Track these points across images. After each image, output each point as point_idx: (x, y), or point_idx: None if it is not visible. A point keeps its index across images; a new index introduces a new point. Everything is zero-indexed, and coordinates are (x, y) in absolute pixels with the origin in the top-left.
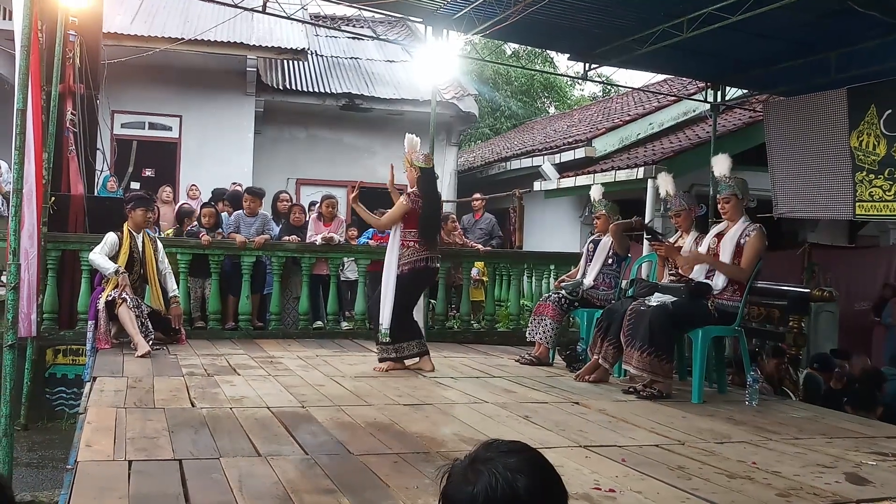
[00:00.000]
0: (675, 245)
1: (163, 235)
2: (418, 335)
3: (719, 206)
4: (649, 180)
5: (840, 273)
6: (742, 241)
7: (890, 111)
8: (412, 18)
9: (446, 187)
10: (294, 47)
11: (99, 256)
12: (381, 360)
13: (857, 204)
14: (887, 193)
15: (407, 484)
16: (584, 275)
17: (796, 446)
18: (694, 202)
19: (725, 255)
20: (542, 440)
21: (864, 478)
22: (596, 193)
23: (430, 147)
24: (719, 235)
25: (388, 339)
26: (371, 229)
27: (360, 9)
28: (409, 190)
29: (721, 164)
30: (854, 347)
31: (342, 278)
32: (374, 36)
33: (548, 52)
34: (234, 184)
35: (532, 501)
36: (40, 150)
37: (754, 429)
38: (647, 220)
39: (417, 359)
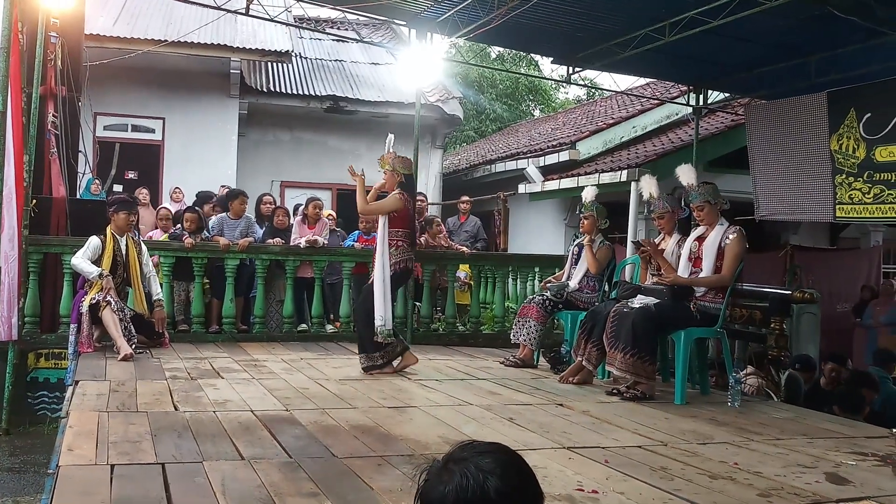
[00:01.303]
0: (658, 248)
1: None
2: (396, 332)
3: (694, 213)
4: (633, 183)
5: (822, 275)
6: (723, 244)
7: (869, 115)
8: (396, 21)
9: (431, 190)
10: (278, 49)
11: (82, 261)
12: (367, 370)
13: (837, 206)
14: (866, 196)
15: (391, 486)
16: (569, 277)
17: (777, 447)
18: (677, 204)
19: (708, 260)
20: (525, 442)
21: (844, 477)
22: (589, 194)
23: (414, 150)
24: (700, 239)
25: (391, 338)
26: (356, 232)
27: (344, 11)
28: (397, 190)
29: (687, 175)
30: (835, 349)
31: (328, 281)
32: (359, 38)
33: (532, 55)
34: (222, 187)
35: (502, 503)
36: (20, 153)
37: (736, 430)
38: (629, 223)
39: (400, 358)
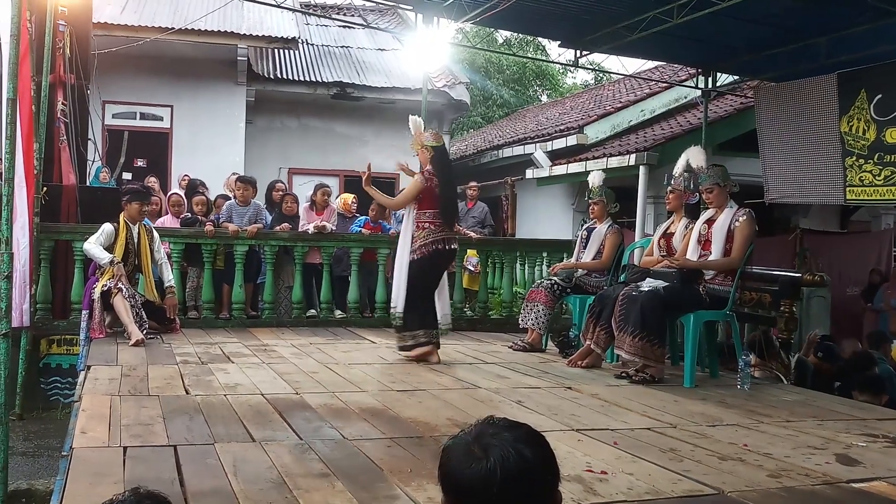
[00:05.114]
0: (668, 231)
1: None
2: (430, 325)
3: (703, 196)
4: (641, 167)
5: (832, 258)
6: (732, 226)
7: (880, 96)
8: (402, 6)
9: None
10: (285, 36)
11: (94, 246)
12: (401, 350)
13: (848, 189)
14: (877, 178)
15: (401, 467)
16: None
17: (787, 428)
18: (689, 188)
19: (717, 242)
20: (534, 424)
21: (855, 459)
22: (596, 179)
23: None
24: (710, 222)
25: (401, 323)
26: (363, 217)
27: None
28: (424, 168)
29: (697, 157)
30: (845, 332)
31: (336, 274)
32: (365, 24)
33: (539, 39)
34: (233, 174)
35: (540, 470)
36: (30, 141)
37: (746, 412)
38: (638, 207)
39: (425, 349)
